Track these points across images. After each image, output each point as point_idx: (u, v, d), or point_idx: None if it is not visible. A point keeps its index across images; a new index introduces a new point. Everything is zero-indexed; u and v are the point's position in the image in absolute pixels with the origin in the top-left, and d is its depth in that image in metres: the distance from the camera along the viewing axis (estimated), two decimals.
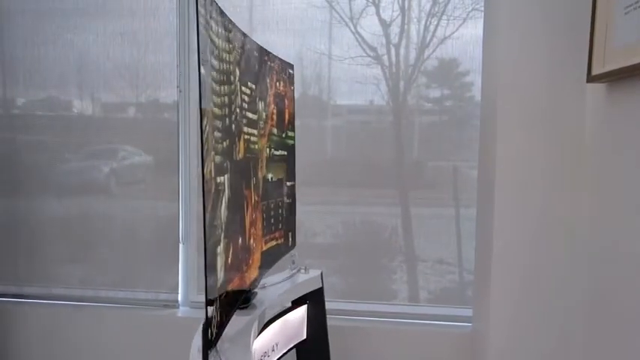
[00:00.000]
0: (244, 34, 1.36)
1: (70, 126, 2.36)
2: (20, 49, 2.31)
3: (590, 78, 1.35)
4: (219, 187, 0.94)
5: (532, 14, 1.62)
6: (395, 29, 2.11)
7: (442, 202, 2.17)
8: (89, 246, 2.35)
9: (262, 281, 1.62)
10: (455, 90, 2.14)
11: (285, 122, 1.59)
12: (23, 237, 2.38)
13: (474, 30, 2.03)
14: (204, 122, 0.87)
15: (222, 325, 1.01)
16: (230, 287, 1.06)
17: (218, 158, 0.94)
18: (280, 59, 1.71)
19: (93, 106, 2.35)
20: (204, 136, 0.88)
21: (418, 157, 2.18)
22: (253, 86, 1.27)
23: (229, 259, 1.01)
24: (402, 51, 2.12)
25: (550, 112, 1.63)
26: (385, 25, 2.11)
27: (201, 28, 0.93)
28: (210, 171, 0.89)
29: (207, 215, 0.89)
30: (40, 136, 2.38)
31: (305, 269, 1.83)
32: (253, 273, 1.30)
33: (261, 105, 1.33)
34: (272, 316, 1.61)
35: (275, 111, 1.47)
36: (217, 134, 0.94)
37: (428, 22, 2.08)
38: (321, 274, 1.84)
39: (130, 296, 2.31)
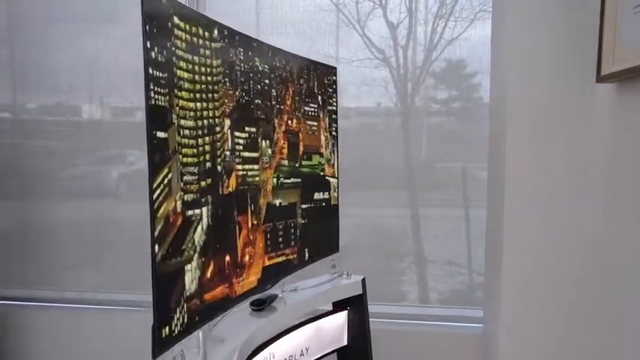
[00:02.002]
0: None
1: (79, 131, 2.38)
2: (30, 55, 2.33)
3: (600, 78, 1.35)
4: (192, 219, 1.13)
5: (540, 14, 1.62)
6: (402, 31, 2.11)
7: (451, 203, 2.17)
8: (100, 250, 2.37)
9: (294, 285, 1.64)
10: (463, 91, 2.14)
11: (300, 153, 1.66)
12: (34, 241, 2.39)
13: (481, 31, 2.03)
14: (159, 178, 1.01)
15: (187, 329, 1.11)
16: (209, 296, 1.20)
17: (191, 196, 1.12)
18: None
19: (102, 110, 2.37)
20: (160, 189, 1.01)
21: (427, 159, 2.18)
22: (253, 129, 1.40)
23: (207, 273, 1.19)
24: (409, 53, 2.12)
25: (559, 112, 1.63)
26: (392, 27, 2.12)
27: (161, 103, 1.02)
28: (175, 208, 1.06)
29: (160, 246, 1.02)
30: (49, 141, 2.40)
31: (347, 274, 1.79)
32: (249, 283, 1.40)
33: (264, 143, 1.46)
34: (304, 319, 1.59)
35: (286, 145, 1.58)
36: (191, 177, 1.12)
37: (435, 24, 2.08)
38: (363, 279, 1.78)
39: (140, 299, 2.32)
